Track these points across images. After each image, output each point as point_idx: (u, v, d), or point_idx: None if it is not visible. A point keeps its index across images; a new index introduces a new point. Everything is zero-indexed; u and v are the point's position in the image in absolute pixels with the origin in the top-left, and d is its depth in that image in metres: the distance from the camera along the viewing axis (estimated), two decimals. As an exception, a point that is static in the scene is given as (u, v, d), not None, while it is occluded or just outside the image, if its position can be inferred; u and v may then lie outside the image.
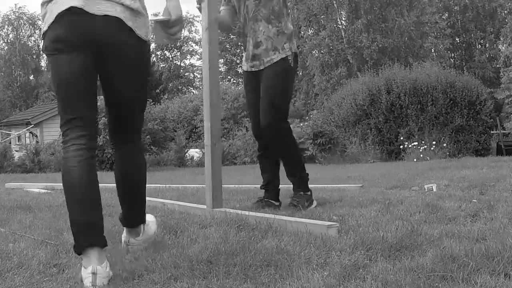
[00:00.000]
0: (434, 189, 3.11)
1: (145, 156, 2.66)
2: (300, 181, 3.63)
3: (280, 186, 3.74)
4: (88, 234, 1.98)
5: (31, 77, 41.66)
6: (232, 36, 36.46)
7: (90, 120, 2.13)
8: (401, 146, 12.53)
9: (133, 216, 2.41)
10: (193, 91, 39.97)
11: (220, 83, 33.93)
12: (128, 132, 2.31)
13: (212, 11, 3.43)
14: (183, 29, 43.83)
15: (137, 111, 2.30)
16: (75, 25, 2.03)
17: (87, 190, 2.03)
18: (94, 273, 1.90)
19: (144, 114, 2.37)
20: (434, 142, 12.10)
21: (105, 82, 2.19)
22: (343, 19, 24.78)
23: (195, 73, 44.30)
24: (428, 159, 11.08)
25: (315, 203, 3.63)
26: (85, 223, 2.00)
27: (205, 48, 3.45)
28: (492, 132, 14.33)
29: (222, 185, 3.48)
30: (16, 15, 40.68)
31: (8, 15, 40.61)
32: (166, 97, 33.07)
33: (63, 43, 2.04)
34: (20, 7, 41.16)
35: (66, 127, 2.10)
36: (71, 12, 2.02)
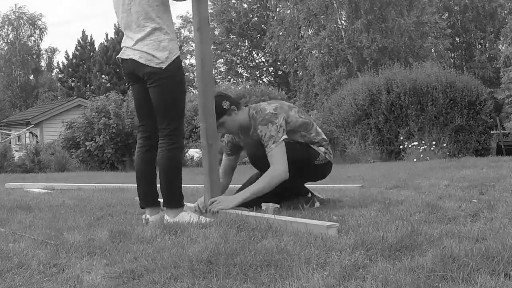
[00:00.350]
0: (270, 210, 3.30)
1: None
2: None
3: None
4: (142, 199, 3.24)
5: (31, 77, 41.65)
6: (232, 36, 36.46)
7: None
8: (401, 146, 12.53)
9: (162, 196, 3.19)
10: (193, 91, 39.98)
11: (220, 83, 33.57)
12: (161, 132, 3.15)
13: (203, 10, 3.38)
14: (183, 29, 43.41)
15: (167, 118, 3.10)
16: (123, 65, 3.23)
17: (139, 173, 3.22)
18: (145, 219, 3.17)
19: (180, 120, 3.16)
20: (434, 142, 12.10)
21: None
22: (343, 19, 24.78)
23: (195, 73, 44.30)
24: (428, 159, 11.08)
25: (317, 204, 3.64)
26: (140, 193, 3.25)
27: (197, 49, 3.41)
28: (492, 132, 14.33)
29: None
30: (16, 15, 40.66)
31: (8, 15, 40.59)
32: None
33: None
34: (20, 7, 41.16)
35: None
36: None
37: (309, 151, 3.57)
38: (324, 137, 3.70)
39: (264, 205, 3.40)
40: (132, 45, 3.10)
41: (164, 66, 3.03)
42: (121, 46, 3.24)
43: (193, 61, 50.09)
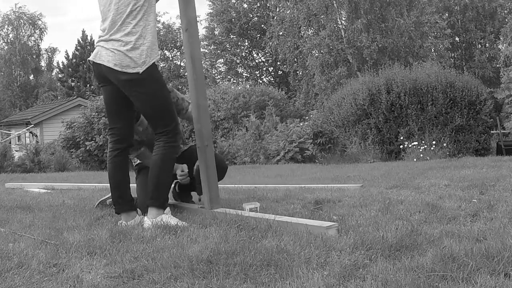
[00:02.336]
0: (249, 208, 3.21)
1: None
2: None
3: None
4: (116, 205, 3.18)
5: (31, 77, 41.64)
6: (232, 36, 36.44)
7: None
8: (401, 146, 12.53)
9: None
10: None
11: (220, 83, 33.48)
12: (158, 135, 3.13)
13: (191, 11, 3.32)
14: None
15: (154, 117, 3.06)
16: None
17: (112, 179, 3.16)
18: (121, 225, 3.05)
19: (176, 119, 3.13)
20: (434, 142, 12.09)
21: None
22: (343, 19, 24.75)
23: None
24: (428, 159, 11.07)
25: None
26: (113, 198, 3.18)
27: (187, 50, 3.35)
28: (492, 132, 14.31)
29: (223, 185, 3.46)
30: (16, 14, 40.65)
31: (8, 14, 40.59)
32: (166, 97, 33.02)
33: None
34: (20, 7, 41.15)
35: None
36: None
37: None
38: None
39: (245, 206, 3.33)
40: (107, 41, 3.00)
41: (141, 71, 2.93)
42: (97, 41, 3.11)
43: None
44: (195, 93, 3.35)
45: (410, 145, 12.18)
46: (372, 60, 22.85)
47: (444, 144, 12.11)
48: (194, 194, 3.94)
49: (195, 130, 3.44)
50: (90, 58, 3.11)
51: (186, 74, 40.88)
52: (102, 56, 3.02)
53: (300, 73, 27.25)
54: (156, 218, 3.00)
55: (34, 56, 41.45)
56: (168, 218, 3.02)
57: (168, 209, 3.15)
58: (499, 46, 27.57)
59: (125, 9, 2.97)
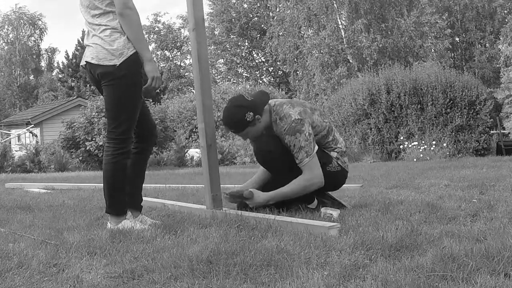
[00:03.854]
0: (335, 216, 2.98)
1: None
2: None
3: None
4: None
5: (31, 77, 41.65)
6: (232, 36, 36.44)
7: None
8: (401, 146, 12.54)
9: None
10: (193, 91, 39.97)
11: (220, 83, 33.48)
12: (108, 134, 3.02)
13: (198, 10, 3.32)
14: (183, 29, 43.31)
15: (116, 121, 2.95)
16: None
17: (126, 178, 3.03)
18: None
19: (129, 124, 2.95)
20: (434, 142, 12.10)
21: None
22: (343, 19, 24.76)
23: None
24: (428, 159, 11.08)
25: (315, 203, 3.51)
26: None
27: (193, 49, 3.35)
28: (492, 132, 14.31)
29: (223, 185, 3.46)
30: (17, 15, 40.67)
31: (8, 15, 40.60)
32: (166, 97, 33.06)
33: None
34: (20, 7, 41.17)
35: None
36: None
37: (322, 154, 3.38)
38: (341, 146, 3.49)
39: (323, 210, 3.18)
40: (87, 39, 2.99)
41: (118, 63, 2.86)
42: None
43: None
44: (200, 93, 3.34)
45: (410, 145, 12.19)
46: (372, 60, 22.85)
47: (444, 144, 12.12)
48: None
49: (199, 129, 3.42)
50: (81, 64, 3.08)
51: (186, 74, 40.61)
52: (86, 56, 3.00)
53: (300, 73, 27.25)
54: (118, 224, 2.95)
55: (34, 56, 41.49)
56: (130, 223, 2.97)
57: (129, 213, 3.08)
58: (499, 46, 27.53)
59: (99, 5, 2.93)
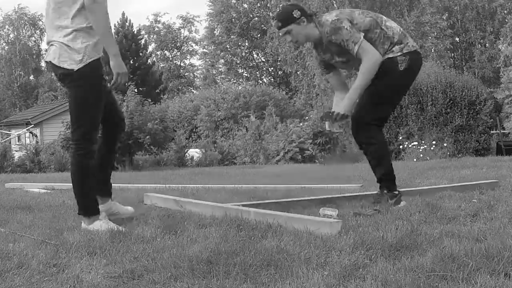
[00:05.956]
0: (334, 216, 2.96)
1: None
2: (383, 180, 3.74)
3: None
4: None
5: (31, 77, 41.64)
6: (232, 36, 36.44)
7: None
8: (401, 146, 12.53)
9: None
10: (193, 91, 39.97)
11: (220, 83, 33.51)
12: (72, 135, 3.05)
13: None
14: (183, 29, 43.07)
15: (78, 122, 2.97)
16: None
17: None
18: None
19: (91, 126, 2.98)
20: (434, 142, 12.09)
21: None
22: (343, 19, 24.74)
23: (195, 73, 44.26)
24: (428, 159, 11.07)
25: (403, 203, 3.49)
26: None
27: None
28: (492, 132, 14.31)
29: (223, 185, 3.44)
30: (17, 15, 40.66)
31: (9, 15, 40.60)
32: (166, 97, 33.07)
33: None
34: (21, 7, 41.15)
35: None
36: None
37: (387, 66, 3.45)
38: (396, 32, 3.52)
39: (321, 210, 3.17)
40: (54, 36, 2.94)
41: (76, 69, 2.86)
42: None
43: (193, 61, 49.91)
44: None
45: (410, 145, 12.18)
46: (372, 60, 22.83)
47: (444, 144, 12.11)
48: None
49: None
50: (45, 60, 3.15)
51: (186, 74, 40.47)
52: (49, 54, 3.01)
53: (300, 73, 27.24)
54: (92, 224, 2.96)
55: (34, 56, 41.45)
56: (104, 223, 2.97)
57: (103, 214, 3.09)
58: (499, 46, 27.55)
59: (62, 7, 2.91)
